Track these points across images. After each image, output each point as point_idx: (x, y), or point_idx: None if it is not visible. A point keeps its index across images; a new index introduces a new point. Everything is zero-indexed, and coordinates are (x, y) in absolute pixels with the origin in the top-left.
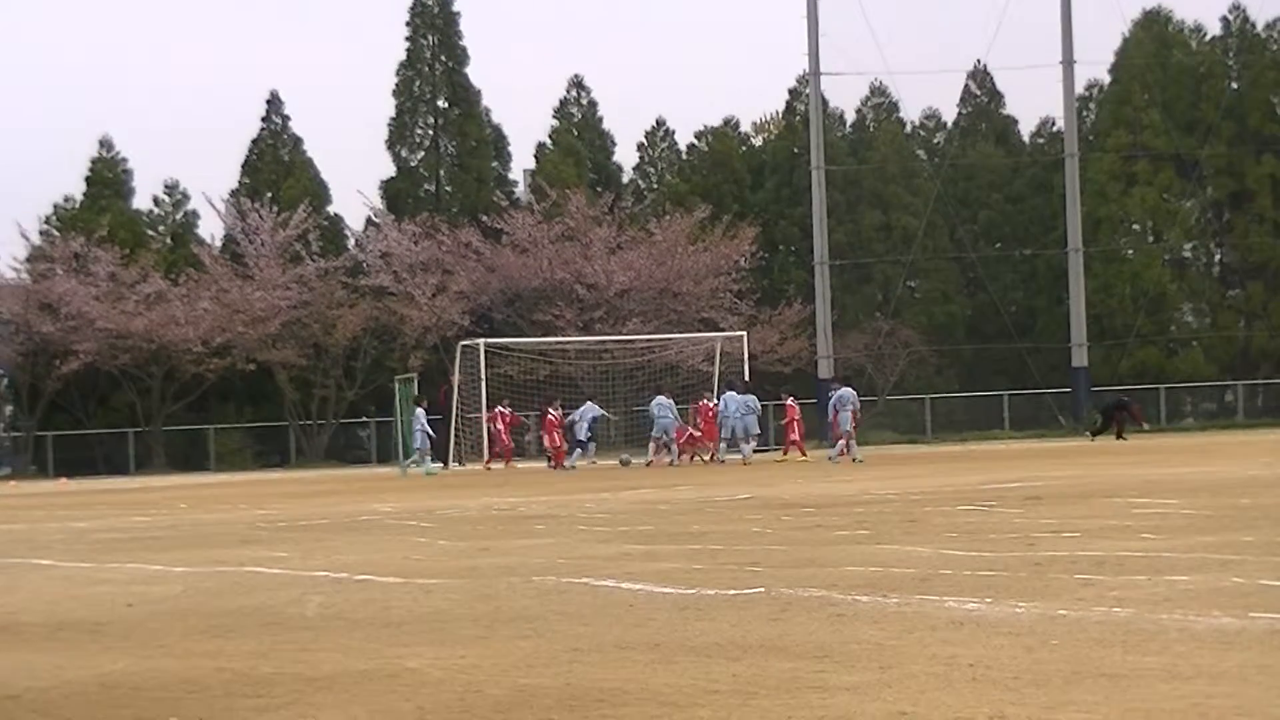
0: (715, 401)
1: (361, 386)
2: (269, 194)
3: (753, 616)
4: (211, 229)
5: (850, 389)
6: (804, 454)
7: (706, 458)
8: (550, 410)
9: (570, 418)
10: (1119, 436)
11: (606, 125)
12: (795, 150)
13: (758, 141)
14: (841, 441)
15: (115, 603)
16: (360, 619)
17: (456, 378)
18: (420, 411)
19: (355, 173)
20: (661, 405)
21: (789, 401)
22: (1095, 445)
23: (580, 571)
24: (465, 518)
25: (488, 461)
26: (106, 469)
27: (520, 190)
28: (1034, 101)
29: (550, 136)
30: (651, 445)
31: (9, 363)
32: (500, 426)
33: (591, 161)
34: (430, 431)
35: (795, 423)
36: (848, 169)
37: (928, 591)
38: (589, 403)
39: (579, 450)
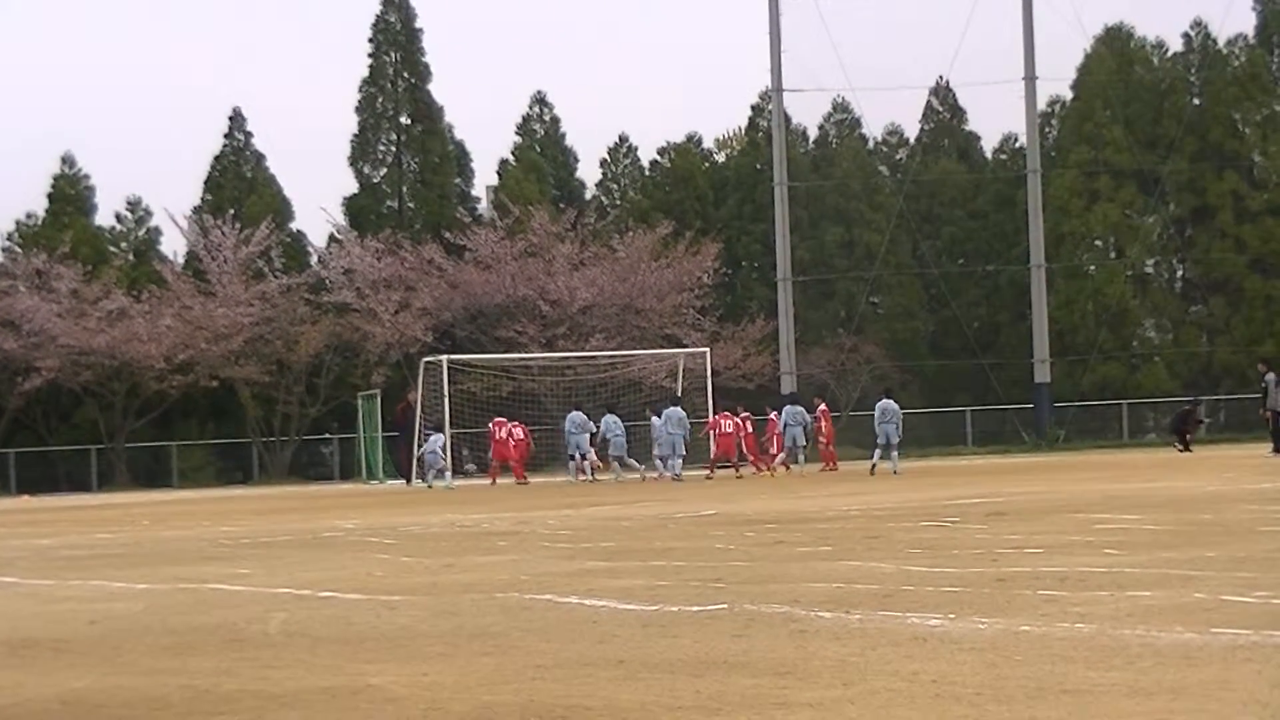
0: (775, 414)
1: (324, 403)
2: (231, 210)
3: (716, 633)
4: (174, 246)
5: (893, 401)
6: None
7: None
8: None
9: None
10: (1185, 448)
11: (569, 141)
12: (758, 166)
13: (720, 158)
14: (894, 454)
15: (78, 620)
16: (323, 636)
17: (419, 394)
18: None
19: (318, 189)
20: (794, 413)
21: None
22: (1066, 461)
23: (543, 588)
24: (428, 534)
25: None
26: (69, 486)
27: (483, 207)
28: (996, 118)
29: (513, 153)
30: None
31: None
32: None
33: (554, 178)
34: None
35: (747, 437)
36: (810, 185)
37: (890, 607)
38: (575, 412)
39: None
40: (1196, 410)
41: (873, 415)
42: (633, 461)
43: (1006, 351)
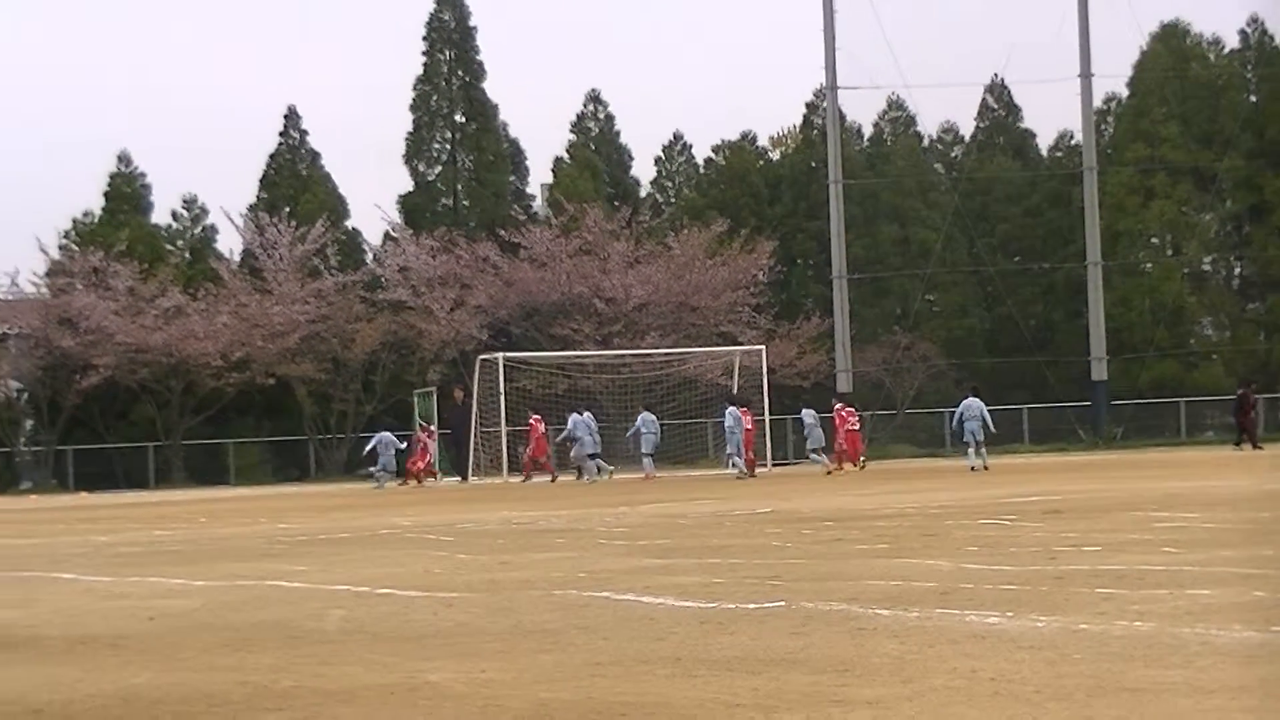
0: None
1: (380, 400)
2: (287, 208)
3: (773, 630)
4: (230, 243)
5: (978, 400)
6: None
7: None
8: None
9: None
10: (1253, 445)
11: (624, 139)
12: (813, 164)
13: (775, 155)
14: (974, 450)
15: (136, 616)
16: (381, 632)
17: (475, 391)
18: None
19: (373, 187)
20: (810, 412)
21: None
22: (1123, 459)
23: (600, 585)
24: (485, 531)
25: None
26: (126, 483)
27: (538, 204)
28: (1052, 115)
29: (567, 151)
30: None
31: (29, 377)
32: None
33: (609, 176)
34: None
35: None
36: (865, 183)
37: (948, 605)
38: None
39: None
40: (1247, 393)
41: (932, 413)
42: (604, 464)
43: (1063, 349)
